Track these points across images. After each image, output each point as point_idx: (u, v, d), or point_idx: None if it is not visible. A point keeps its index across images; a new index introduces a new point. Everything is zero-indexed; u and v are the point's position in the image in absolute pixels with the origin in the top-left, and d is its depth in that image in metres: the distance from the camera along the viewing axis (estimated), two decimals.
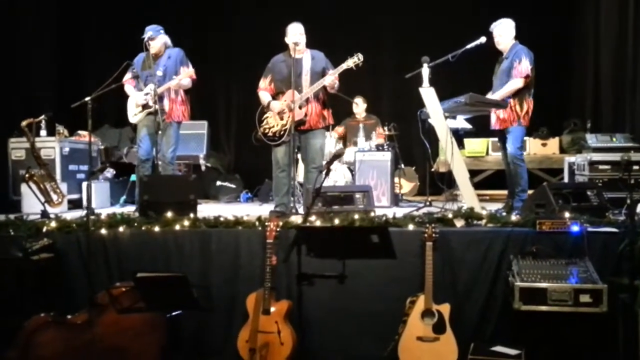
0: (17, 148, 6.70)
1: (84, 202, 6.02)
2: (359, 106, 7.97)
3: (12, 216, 5.49)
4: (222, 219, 5.00)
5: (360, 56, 5.47)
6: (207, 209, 6.54)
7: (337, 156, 4.51)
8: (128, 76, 6.10)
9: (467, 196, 5.20)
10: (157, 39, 6.00)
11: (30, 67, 7.62)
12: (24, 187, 6.17)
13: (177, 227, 4.93)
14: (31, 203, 6.09)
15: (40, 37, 7.86)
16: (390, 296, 4.43)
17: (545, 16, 8.21)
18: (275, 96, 5.74)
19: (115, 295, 3.57)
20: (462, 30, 6.35)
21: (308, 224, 3.87)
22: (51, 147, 6.74)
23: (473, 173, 7.04)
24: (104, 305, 4.20)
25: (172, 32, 6.21)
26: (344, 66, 5.52)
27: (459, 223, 4.61)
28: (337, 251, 3.35)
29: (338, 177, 7.13)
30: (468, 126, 6.17)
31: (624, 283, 3.91)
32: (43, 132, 6.78)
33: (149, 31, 5.97)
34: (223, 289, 4.72)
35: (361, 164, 6.84)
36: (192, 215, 5.12)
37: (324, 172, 4.13)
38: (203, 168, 8.34)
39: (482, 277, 4.42)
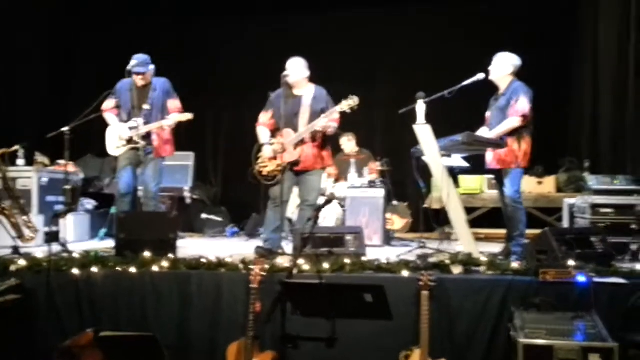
0: None
1: (60, 237, 5.69)
2: (349, 143, 7.71)
3: None
4: (203, 260, 4.70)
5: (356, 99, 5.20)
6: (190, 244, 6.25)
7: (328, 202, 4.23)
8: (110, 104, 5.82)
9: (465, 240, 4.93)
10: (147, 73, 5.74)
11: (15, 91, 7.39)
12: None
13: (156, 268, 4.62)
14: (3, 236, 5.76)
15: (28, 59, 7.66)
16: (383, 349, 4.10)
17: (543, 48, 8.01)
18: (274, 132, 5.48)
19: (75, 352, 3.23)
20: (459, 64, 6.12)
21: (293, 280, 3.53)
22: (28, 177, 6.43)
23: (467, 211, 6.77)
24: (76, 354, 3.87)
25: (159, 60, 5.95)
26: (337, 109, 5.25)
27: (457, 270, 4.32)
28: (326, 310, 3.05)
29: (329, 213, 6.84)
30: (465, 164, 5.92)
31: (636, 340, 3.62)
32: (21, 162, 6.48)
33: (137, 62, 5.68)
34: (203, 337, 4.41)
35: (353, 200, 6.56)
36: (171, 255, 4.81)
37: (312, 220, 3.83)
38: (188, 201, 8.03)
39: (482, 329, 4.11)
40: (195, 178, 8.32)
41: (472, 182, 7.72)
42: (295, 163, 5.33)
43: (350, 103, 5.20)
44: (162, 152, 5.80)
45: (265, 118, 5.51)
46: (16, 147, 6.09)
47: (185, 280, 4.54)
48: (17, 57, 7.67)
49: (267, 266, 4.34)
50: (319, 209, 3.96)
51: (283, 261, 4.61)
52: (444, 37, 8.33)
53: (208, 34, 8.95)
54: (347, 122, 5.56)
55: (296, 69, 5.39)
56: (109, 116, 5.84)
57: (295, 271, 4.24)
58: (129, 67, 5.68)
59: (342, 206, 6.88)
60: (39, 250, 5.25)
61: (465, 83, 5.29)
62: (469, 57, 6.11)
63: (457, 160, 5.80)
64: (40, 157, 6.82)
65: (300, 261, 4.38)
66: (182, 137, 6.33)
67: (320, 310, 3.09)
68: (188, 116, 5.72)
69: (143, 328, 4.22)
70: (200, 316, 4.46)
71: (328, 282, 3.14)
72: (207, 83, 9.04)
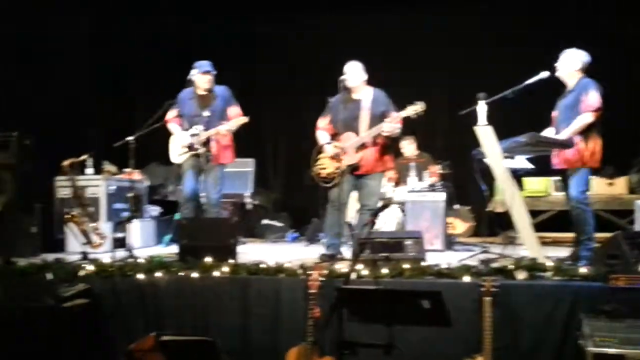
0: (63, 186, 6.62)
1: (126, 243, 5.84)
2: (409, 146, 7.61)
3: (52, 257, 5.37)
4: (263, 265, 4.72)
5: (422, 104, 5.14)
6: (251, 250, 6.31)
7: (384, 207, 4.19)
8: (172, 114, 5.96)
9: (529, 245, 4.77)
10: (210, 80, 5.83)
11: (78, 103, 7.64)
12: (66, 226, 6.07)
13: (216, 273, 4.69)
14: (73, 243, 5.99)
15: (93, 71, 7.92)
16: (443, 356, 4.02)
17: (611, 44, 7.69)
18: (334, 136, 5.48)
19: (138, 356, 3.31)
20: (520, 64, 5.95)
21: (349, 285, 3.51)
22: (97, 185, 6.63)
23: (533, 214, 6.57)
24: (139, 358, 3.96)
25: (219, 67, 6.04)
26: (402, 114, 5.20)
27: (521, 275, 4.19)
28: (383, 316, 3.00)
29: (389, 218, 6.77)
30: (529, 166, 5.74)
31: None
32: (89, 170, 6.69)
33: (199, 69, 5.80)
34: (263, 342, 4.44)
35: (413, 204, 6.48)
36: (231, 260, 4.87)
37: (368, 225, 3.79)
38: (249, 207, 8.12)
39: (548, 337, 3.97)
40: (256, 184, 8.41)
41: (538, 184, 7.50)
42: (356, 167, 5.31)
43: (416, 109, 5.15)
44: (222, 159, 5.87)
45: (323, 123, 5.52)
46: (84, 157, 6.30)
47: (245, 285, 4.59)
48: (83, 69, 7.93)
49: (325, 271, 4.33)
50: (375, 213, 3.92)
51: (342, 266, 4.59)
52: (504, 37, 8.12)
53: (268, 38, 9.02)
54: (406, 125, 5.52)
55: (354, 73, 5.37)
56: (172, 126, 5.97)
57: (354, 276, 4.22)
58: (191, 75, 5.81)
59: (403, 210, 6.81)
60: (107, 256, 5.41)
61: (528, 82, 5.12)
62: (530, 57, 5.94)
63: (521, 161, 5.63)
64: (108, 166, 7.04)
65: (359, 266, 4.35)
66: (242, 143, 6.39)
67: (377, 316, 3.05)
68: (243, 120, 5.76)
69: (205, 332, 4.28)
70: (260, 321, 4.48)
71: (385, 287, 3.10)
72: (266, 88, 9.12)
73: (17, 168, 5.97)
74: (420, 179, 7.05)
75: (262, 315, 4.48)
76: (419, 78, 7.94)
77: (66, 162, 6.00)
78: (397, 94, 5.39)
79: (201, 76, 5.81)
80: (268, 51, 8.98)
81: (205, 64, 5.83)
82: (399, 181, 7.45)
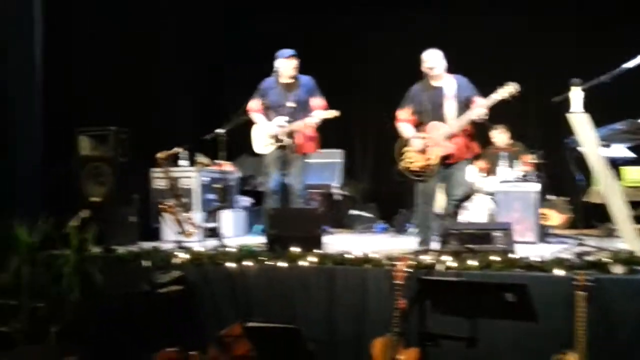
0: (159, 178, 6.90)
1: (218, 232, 6.02)
2: (500, 136, 7.37)
3: (148, 245, 5.62)
4: (349, 255, 4.74)
5: (516, 85, 4.97)
6: (338, 240, 6.35)
7: (466, 198, 4.09)
8: (255, 103, 6.02)
9: (628, 237, 4.53)
10: (295, 66, 5.85)
11: (172, 94, 7.92)
12: (162, 216, 6.32)
13: (303, 262, 4.76)
14: (168, 232, 6.24)
15: (185, 63, 8.17)
16: (530, 351, 3.88)
17: None
18: (417, 126, 5.40)
19: (228, 341, 3.41)
20: (619, 46, 5.63)
21: (431, 277, 3.46)
22: (190, 176, 6.86)
23: (633, 205, 6.22)
24: (228, 344, 4.08)
25: (306, 58, 6.07)
26: (496, 97, 5.01)
27: (618, 269, 3.99)
28: (466, 308, 2.94)
29: (479, 209, 6.61)
30: (629, 155, 5.44)
31: None
32: (183, 162, 6.93)
33: (283, 55, 5.85)
34: (348, 331, 4.47)
35: (504, 195, 6.30)
36: (318, 250, 4.91)
37: (452, 215, 3.72)
38: (337, 197, 8.16)
39: None
40: (345, 175, 8.43)
41: (638, 174, 7.09)
42: (446, 156, 5.22)
43: (510, 90, 4.97)
44: (306, 149, 5.92)
45: (405, 115, 5.42)
46: (178, 149, 6.54)
47: (332, 275, 4.62)
48: (174, 62, 8.19)
49: (411, 262, 4.30)
50: (458, 204, 3.84)
51: (428, 258, 4.53)
52: (597, 20, 7.71)
53: (355, 29, 8.99)
54: (497, 114, 5.36)
55: (436, 61, 5.27)
56: (255, 115, 6.05)
57: (441, 268, 4.17)
58: (275, 63, 5.86)
59: (494, 201, 6.64)
60: (199, 245, 5.60)
61: (627, 65, 4.85)
62: (628, 39, 5.61)
63: (620, 150, 5.35)
64: (201, 158, 7.27)
65: (446, 258, 4.28)
66: (330, 134, 6.43)
67: (460, 308, 2.99)
68: (334, 113, 5.77)
69: (291, 320, 4.35)
70: (346, 311, 4.51)
71: (468, 279, 3.03)
72: (355, 79, 9.10)
73: (116, 161, 6.26)
74: (512, 168, 6.84)
75: (347, 305, 4.51)
76: (508, 64, 7.68)
77: (161, 155, 6.26)
78: (485, 82, 5.24)
79: (286, 62, 5.85)
80: (355, 41, 8.96)
81: (288, 50, 5.88)
82: (490, 171, 7.26)
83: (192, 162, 7.05)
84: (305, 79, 5.97)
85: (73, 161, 6.34)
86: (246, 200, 7.74)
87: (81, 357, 4.66)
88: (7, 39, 6.08)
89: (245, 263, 4.91)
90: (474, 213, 6.54)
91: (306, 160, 6.01)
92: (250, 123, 6.11)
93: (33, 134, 6.13)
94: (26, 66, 6.15)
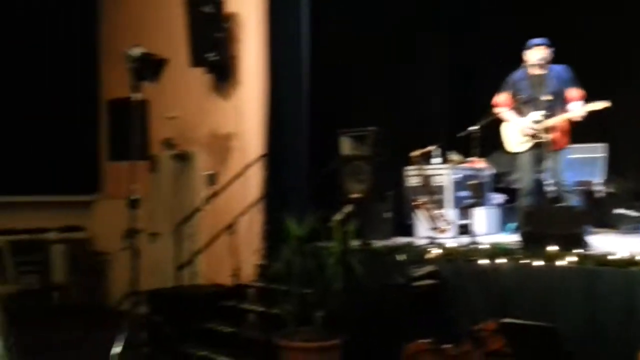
0: (412, 175, 7.12)
1: (470, 229, 6.04)
2: None
3: (402, 240, 5.86)
4: (613, 257, 4.44)
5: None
6: (601, 240, 5.94)
7: None
8: (502, 98, 5.85)
9: None
10: (544, 55, 5.60)
11: (427, 93, 8.08)
12: (415, 213, 6.52)
13: (561, 262, 4.57)
14: (422, 228, 6.41)
15: (437, 60, 8.30)
16: None
17: None
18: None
19: (482, 336, 3.43)
20: None
21: None
22: (443, 174, 6.96)
23: None
24: (483, 339, 4.11)
25: (563, 48, 5.78)
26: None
27: None
28: None
29: None
30: None
31: None
32: (436, 160, 7.05)
33: (532, 43, 5.63)
34: (613, 335, 4.18)
35: None
36: (578, 250, 4.67)
37: None
38: (599, 195, 7.61)
39: None
40: (608, 171, 7.82)
41: None
42: None
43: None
44: (562, 144, 5.64)
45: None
46: (432, 147, 6.69)
47: (593, 276, 4.37)
48: (429, 61, 8.32)
49: None
50: None
51: None
52: None
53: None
54: None
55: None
56: (503, 111, 5.87)
57: None
58: (524, 54, 5.65)
59: None
60: (452, 241, 5.68)
61: None
62: None
63: None
64: (453, 155, 7.33)
65: None
66: (590, 128, 6.04)
67: None
68: (603, 104, 5.39)
69: (547, 320, 4.21)
70: (609, 314, 4.22)
71: None
72: (622, 67, 8.37)
73: (374, 159, 6.60)
74: None
75: (611, 308, 4.23)
76: None
77: (415, 153, 6.46)
78: None
79: (535, 52, 5.60)
80: (619, 28, 8.25)
81: (538, 39, 5.62)
82: None
83: (445, 160, 7.14)
84: (559, 69, 5.65)
85: (336, 160, 6.83)
86: (499, 198, 7.60)
87: (343, 342, 5.02)
88: (278, 47, 6.78)
89: (498, 260, 4.87)
90: None
91: (567, 156, 5.74)
92: (498, 119, 5.98)
93: (300, 135, 6.75)
94: (295, 72, 6.77)
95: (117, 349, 5.86)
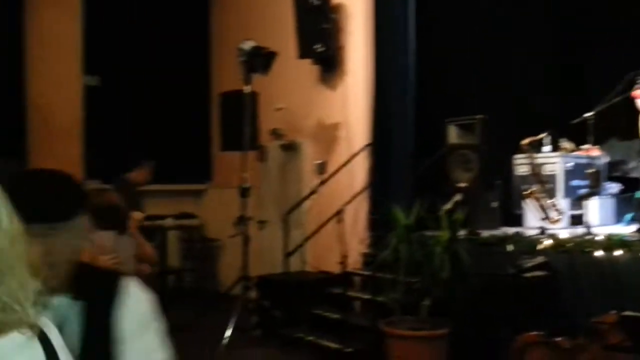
0: (521, 164, 6.93)
1: (584, 219, 5.83)
2: None
3: (511, 230, 5.74)
4: None
5: None
6: None
7: None
8: None
9: None
10: None
11: (540, 84, 7.83)
12: (525, 202, 6.37)
13: None
14: (532, 218, 6.25)
15: (543, 46, 8.03)
16: None
17: None
18: None
19: (600, 329, 3.34)
20: None
21: None
22: (554, 162, 6.74)
23: None
24: (601, 332, 3.98)
25: None
26: None
27: None
28: None
29: None
30: None
31: None
32: (546, 148, 6.84)
33: None
34: None
35: None
36: None
37: None
38: None
39: None
40: None
41: None
42: None
43: None
44: None
45: None
46: (542, 135, 6.49)
47: None
48: (537, 47, 8.06)
49: None
50: None
51: None
52: None
53: None
54: None
55: None
56: None
57: None
58: None
59: None
60: (564, 232, 5.51)
61: None
62: None
63: None
64: (564, 143, 7.07)
65: None
66: None
67: None
68: None
69: None
70: None
71: None
72: None
73: (481, 148, 6.49)
74: None
75: None
76: None
77: (525, 141, 6.29)
78: None
79: None
80: None
81: None
82: None
83: (555, 148, 6.91)
84: None
85: (442, 149, 6.78)
86: (615, 187, 7.26)
87: (450, 331, 5.02)
88: (385, 36, 6.81)
89: (615, 252, 4.69)
90: None
91: None
92: (619, 106, 5.72)
93: (406, 124, 6.76)
94: (401, 60, 6.78)
95: (228, 332, 6.14)
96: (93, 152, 8.77)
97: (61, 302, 1.57)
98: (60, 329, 1.50)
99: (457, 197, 5.68)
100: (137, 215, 4.62)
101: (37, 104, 8.41)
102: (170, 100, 9.03)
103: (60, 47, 8.45)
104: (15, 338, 1.18)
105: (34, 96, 8.44)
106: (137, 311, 1.61)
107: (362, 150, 7.13)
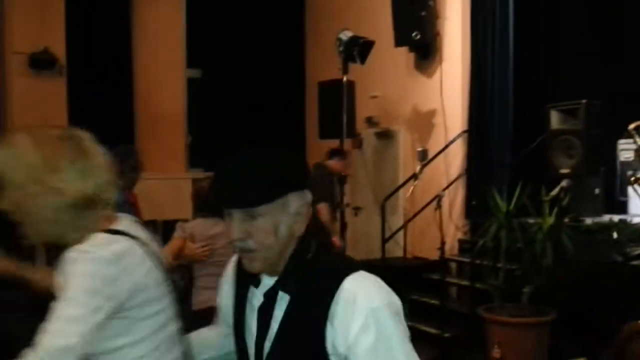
0: (626, 149, 6.68)
1: None
2: None
3: (616, 218, 5.58)
4: None
5: None
6: None
7: None
8: None
9: None
10: None
11: None
12: (630, 189, 6.15)
13: None
14: (637, 204, 6.03)
15: None
16: None
17: None
18: None
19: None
20: None
21: None
22: None
23: None
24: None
25: None
26: None
27: None
28: None
29: None
30: None
31: None
32: None
33: None
34: None
35: None
36: None
37: None
38: None
39: None
40: None
41: None
42: None
43: None
44: None
45: None
46: None
47: None
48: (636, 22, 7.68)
49: None
50: None
51: None
52: None
53: None
54: None
55: None
56: None
57: None
58: None
59: None
60: None
61: None
62: None
63: None
64: None
65: None
66: None
67: None
68: None
69: None
70: None
71: None
72: None
73: (585, 133, 6.30)
74: None
75: None
76: None
77: (632, 125, 6.05)
78: None
79: None
80: None
81: None
82: None
83: None
84: None
85: (544, 135, 6.64)
86: None
87: (553, 319, 4.96)
88: (482, 22, 6.74)
89: None
90: None
91: None
92: None
93: (506, 110, 6.68)
94: (500, 45, 6.70)
95: None
96: (195, 141, 9.19)
97: (270, 283, 1.59)
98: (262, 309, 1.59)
99: (564, 183, 5.57)
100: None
101: (144, 96, 8.88)
102: (267, 90, 9.28)
103: (165, 41, 8.88)
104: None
105: (141, 89, 8.91)
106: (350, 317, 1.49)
107: (458, 136, 7.11)
